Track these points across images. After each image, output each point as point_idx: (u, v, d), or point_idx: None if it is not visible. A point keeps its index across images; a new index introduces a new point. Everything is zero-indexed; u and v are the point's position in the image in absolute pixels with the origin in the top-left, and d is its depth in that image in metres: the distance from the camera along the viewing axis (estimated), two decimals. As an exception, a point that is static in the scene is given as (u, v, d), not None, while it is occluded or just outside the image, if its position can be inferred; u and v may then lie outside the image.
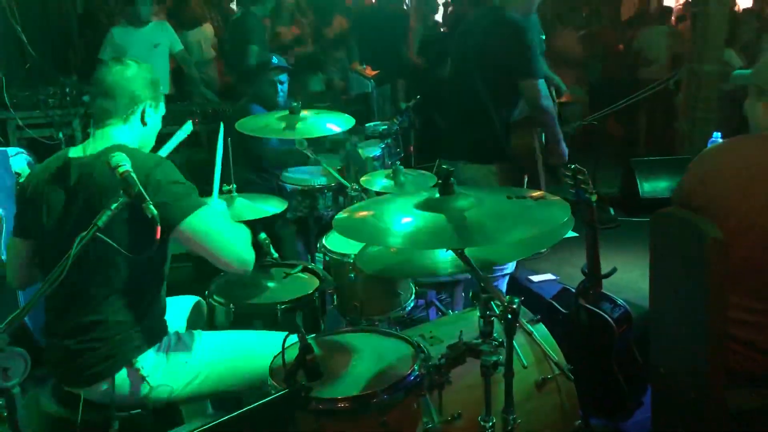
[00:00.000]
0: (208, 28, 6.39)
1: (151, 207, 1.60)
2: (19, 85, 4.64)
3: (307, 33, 6.82)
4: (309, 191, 3.65)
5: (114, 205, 1.58)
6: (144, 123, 2.09)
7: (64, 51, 6.54)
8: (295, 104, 2.99)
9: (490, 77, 3.21)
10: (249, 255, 2.03)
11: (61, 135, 4.44)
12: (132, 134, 2.07)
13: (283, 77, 4.03)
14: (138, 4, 5.17)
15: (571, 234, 3.18)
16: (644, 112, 7.03)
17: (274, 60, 4.08)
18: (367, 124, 4.61)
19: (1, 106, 4.42)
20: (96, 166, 1.90)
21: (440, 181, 1.75)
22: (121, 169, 1.63)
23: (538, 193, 1.85)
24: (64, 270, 1.47)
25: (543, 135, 3.42)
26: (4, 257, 3.19)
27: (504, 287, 3.38)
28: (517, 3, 3.26)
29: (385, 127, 4.44)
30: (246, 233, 2.10)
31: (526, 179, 3.36)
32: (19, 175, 3.67)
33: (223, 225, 2.02)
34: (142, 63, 2.11)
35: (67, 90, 4.79)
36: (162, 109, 2.16)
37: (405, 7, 6.99)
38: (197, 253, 1.99)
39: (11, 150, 3.89)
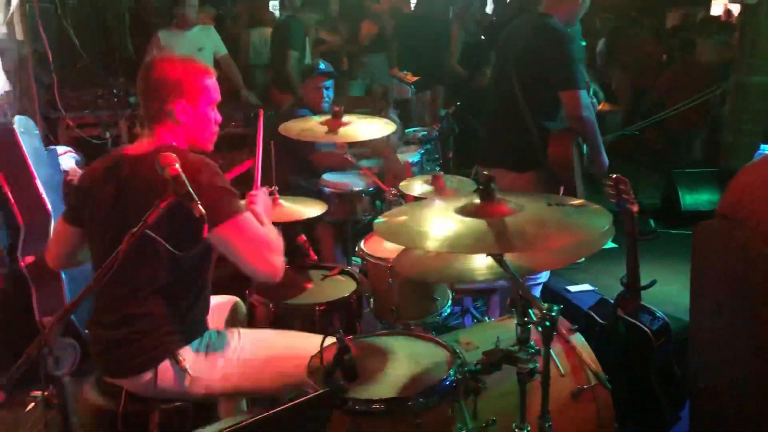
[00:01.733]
0: (267, 31, 6.48)
1: (200, 206, 1.64)
2: (69, 85, 4.77)
3: (344, 40, 6.89)
4: (347, 195, 3.68)
5: (164, 204, 1.62)
6: (179, 122, 2.08)
7: (113, 53, 6.71)
8: (338, 109, 3.03)
9: (529, 86, 3.17)
10: (275, 265, 2.01)
11: (108, 135, 4.56)
12: (174, 133, 2.09)
13: (329, 83, 4.06)
14: (184, 7, 5.27)
15: (610, 245, 3.16)
16: (687, 123, 6.91)
17: (322, 65, 4.12)
18: (406, 130, 4.63)
19: (52, 107, 4.55)
20: (145, 164, 1.95)
21: (481, 187, 1.75)
22: (170, 169, 1.68)
23: (579, 201, 1.84)
24: (113, 266, 1.51)
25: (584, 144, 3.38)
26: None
27: (537, 296, 3.35)
28: (562, 11, 3.21)
29: (425, 132, 4.45)
30: (277, 242, 2.08)
31: (561, 190, 3.31)
32: (67, 173, 3.79)
33: (255, 234, 2.01)
34: (170, 62, 2.11)
35: (115, 91, 4.92)
36: (205, 102, 2.12)
37: (450, 15, 6.99)
38: (227, 256, 2.01)
39: (60, 148, 4.01)
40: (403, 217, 1.94)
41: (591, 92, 3.79)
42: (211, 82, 2.15)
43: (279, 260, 2.03)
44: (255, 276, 2.05)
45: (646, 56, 7.39)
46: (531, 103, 3.18)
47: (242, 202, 2.14)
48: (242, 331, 2.24)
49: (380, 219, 1.96)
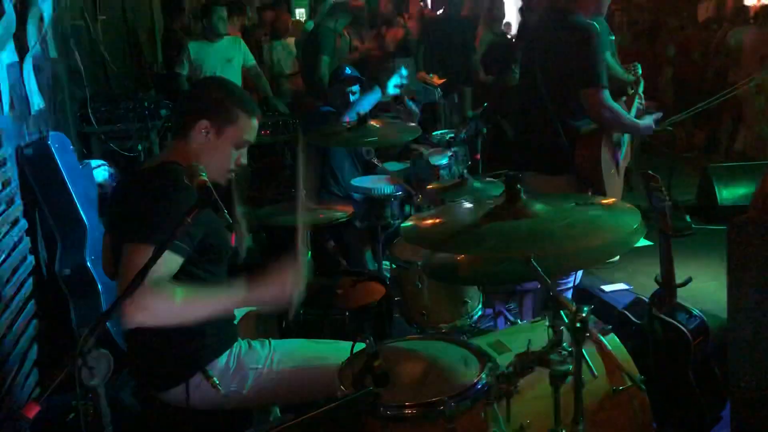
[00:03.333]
0: (291, 41, 6.55)
1: (227, 216, 1.65)
2: (101, 100, 4.87)
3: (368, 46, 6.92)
4: (376, 199, 3.68)
5: (191, 216, 1.64)
6: (197, 142, 2.04)
7: (143, 67, 6.84)
8: (364, 114, 3.03)
9: (555, 85, 3.10)
10: (124, 309, 1.69)
11: (140, 147, 4.64)
12: (186, 153, 2.04)
13: (356, 88, 4.06)
14: (214, 19, 5.35)
15: (645, 242, 3.10)
16: (724, 116, 6.78)
17: (347, 71, 4.13)
18: (434, 133, 4.62)
19: (85, 121, 4.65)
20: (144, 179, 1.98)
21: (507, 189, 1.73)
22: (198, 180, 1.69)
23: (608, 200, 1.82)
24: (144, 275, 1.53)
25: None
26: (88, 263, 3.36)
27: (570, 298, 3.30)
28: (586, 5, 3.13)
29: (452, 135, 4.43)
30: (156, 299, 1.75)
31: (589, 193, 3.23)
32: (101, 186, 3.86)
33: (131, 268, 1.71)
34: (215, 81, 2.16)
35: (146, 104, 5.00)
36: (231, 137, 2.05)
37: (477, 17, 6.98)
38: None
39: (94, 162, 4.09)
40: (431, 221, 1.94)
41: (641, 90, 3.72)
42: (247, 120, 2.06)
43: (132, 309, 1.71)
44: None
45: (686, 50, 7.27)
46: (557, 103, 3.12)
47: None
48: (273, 341, 2.25)
49: (407, 224, 1.95)
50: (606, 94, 3.06)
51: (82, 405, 1.48)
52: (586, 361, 1.99)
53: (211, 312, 1.86)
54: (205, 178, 1.70)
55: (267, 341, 2.23)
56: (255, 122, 2.09)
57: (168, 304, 1.77)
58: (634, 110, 3.52)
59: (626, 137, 3.53)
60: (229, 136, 2.05)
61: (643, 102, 3.66)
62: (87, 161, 4.06)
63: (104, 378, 1.46)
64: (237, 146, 2.08)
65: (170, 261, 1.79)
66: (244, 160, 2.11)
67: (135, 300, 1.65)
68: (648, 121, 3.34)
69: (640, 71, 3.75)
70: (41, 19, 3.63)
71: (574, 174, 3.14)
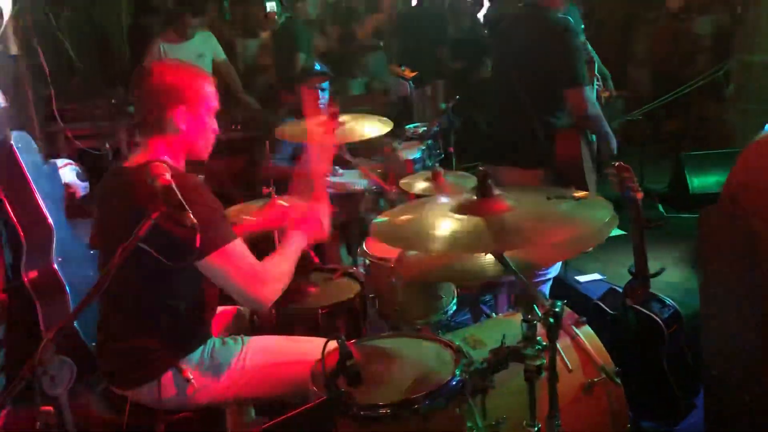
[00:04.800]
0: (265, 35, 6.47)
1: (192, 216, 1.61)
2: (67, 98, 4.77)
3: (334, 40, 6.86)
4: (349, 195, 3.65)
5: (155, 215, 1.59)
6: (178, 130, 2.03)
7: (111, 63, 6.71)
8: (334, 110, 2.99)
9: (532, 82, 3.09)
10: (260, 297, 1.99)
11: (107, 145, 4.55)
12: (172, 143, 2.05)
13: (325, 84, 4.03)
14: (180, 26, 5.29)
15: (618, 232, 3.11)
16: (693, 105, 6.84)
17: (317, 67, 4.09)
18: (406, 126, 4.59)
19: (50, 119, 4.55)
20: (137, 176, 1.92)
21: (478, 184, 1.71)
22: (161, 180, 1.65)
23: (581, 193, 1.80)
24: (108, 277, 1.49)
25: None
26: (55, 265, 3.28)
27: (547, 292, 3.31)
28: (557, 1, 3.13)
29: (425, 128, 4.41)
30: (272, 272, 2.03)
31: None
32: (68, 185, 3.78)
33: (241, 265, 1.96)
34: (168, 68, 2.08)
35: (113, 101, 4.91)
36: (204, 109, 2.08)
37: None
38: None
39: (60, 161, 4.00)
40: (401, 218, 1.91)
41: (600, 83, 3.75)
42: (211, 89, 2.10)
43: (267, 291, 2.00)
44: (241, 304, 2.05)
45: (658, 41, 7.31)
46: (534, 99, 3.11)
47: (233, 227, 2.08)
48: (246, 338, 2.23)
49: (378, 220, 1.93)
50: (589, 91, 3.07)
51: (44, 414, 1.44)
52: (561, 355, 1.99)
53: (293, 264, 2.11)
54: (170, 179, 1.66)
55: (240, 338, 2.21)
56: (213, 85, 2.13)
57: (279, 274, 2.04)
58: (594, 91, 3.54)
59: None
60: (203, 110, 2.08)
61: (601, 83, 3.68)
62: (53, 161, 3.97)
63: (67, 386, 1.41)
64: (210, 115, 2.12)
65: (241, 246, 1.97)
66: (216, 126, 2.14)
67: (265, 284, 1.97)
68: (613, 138, 3.34)
69: (594, 54, 3.80)
70: (0, 15, 3.53)
71: (549, 168, 3.14)
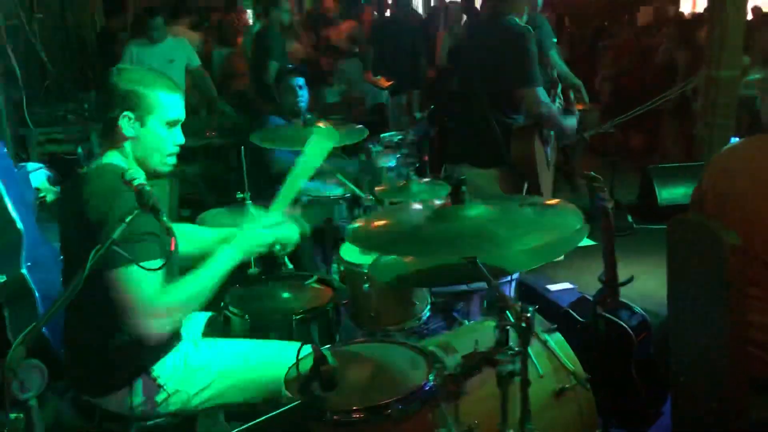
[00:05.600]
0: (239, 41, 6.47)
1: (165, 219, 1.61)
2: (39, 102, 4.71)
3: (309, 47, 6.88)
4: (324, 202, 3.66)
5: (128, 218, 1.59)
6: (125, 137, 1.96)
7: (83, 67, 6.64)
8: (310, 116, 3.01)
9: (490, 83, 3.23)
10: (143, 329, 1.83)
11: (80, 150, 4.50)
12: (123, 149, 1.99)
13: (301, 81, 4.03)
14: (150, 31, 5.28)
15: (588, 242, 3.16)
16: (662, 119, 6.98)
17: (289, 66, 4.11)
18: (382, 135, 4.62)
19: (21, 123, 4.49)
20: (100, 179, 1.90)
21: (452, 190, 1.74)
22: (135, 182, 1.65)
23: (552, 201, 1.84)
24: (79, 283, 1.48)
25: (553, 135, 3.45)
26: (24, 270, 3.23)
27: (512, 293, 3.35)
28: (518, 7, 3.27)
29: (401, 137, 4.44)
30: (170, 302, 1.85)
31: (526, 186, 3.36)
32: (39, 190, 3.72)
33: (131, 292, 1.81)
34: (125, 72, 2.01)
35: (86, 106, 4.87)
36: (157, 119, 1.99)
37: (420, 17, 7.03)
38: None
39: (31, 165, 3.95)
40: (376, 223, 1.93)
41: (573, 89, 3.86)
42: (168, 97, 1.99)
43: (152, 324, 1.83)
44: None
45: (625, 54, 7.46)
46: (492, 100, 3.24)
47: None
48: (219, 340, 2.21)
49: (352, 226, 1.94)
50: (541, 91, 3.21)
51: (12, 420, 1.42)
52: (532, 361, 2.01)
53: (210, 282, 1.93)
54: (144, 182, 1.65)
55: (213, 341, 2.19)
56: (179, 96, 2.04)
57: (179, 304, 1.86)
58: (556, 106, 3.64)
59: (553, 133, 3.64)
60: (155, 119, 1.98)
61: (563, 102, 3.78)
62: (23, 164, 3.92)
63: (38, 391, 1.39)
64: (170, 125, 2.02)
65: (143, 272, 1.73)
66: (181, 139, 2.06)
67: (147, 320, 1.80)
68: (572, 121, 3.46)
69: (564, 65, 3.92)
70: (-27, 18, 3.49)
71: (506, 167, 3.27)
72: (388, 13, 8.27)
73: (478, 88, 3.24)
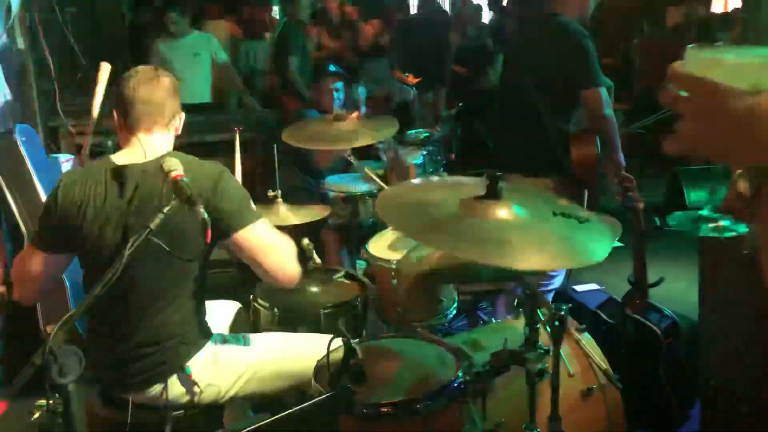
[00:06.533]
0: (266, 39, 6.51)
1: (203, 210, 1.63)
2: (70, 93, 4.77)
3: (348, 44, 6.88)
4: (350, 198, 3.67)
5: (167, 209, 1.61)
6: (177, 131, 2.14)
7: (113, 60, 6.70)
8: (340, 112, 3.02)
9: (548, 87, 3.10)
10: (295, 270, 2.08)
11: (110, 143, 4.54)
12: (169, 140, 2.11)
13: (339, 84, 4.06)
14: (168, 25, 5.32)
15: (616, 244, 3.12)
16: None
17: (331, 67, 4.13)
18: (408, 132, 4.62)
19: (54, 114, 4.55)
20: (151, 173, 1.92)
21: (488, 185, 1.69)
22: (173, 173, 1.67)
23: (586, 214, 1.76)
24: (117, 271, 1.50)
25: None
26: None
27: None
28: (570, 7, 3.16)
29: (427, 134, 4.43)
30: (292, 249, 2.12)
31: (586, 194, 3.22)
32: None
33: (275, 239, 2.05)
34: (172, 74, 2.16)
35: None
36: None
37: (446, 15, 7.01)
38: (246, 262, 2.03)
39: (62, 156, 4.01)
40: (407, 197, 1.88)
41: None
42: None
43: (295, 266, 2.08)
44: (273, 281, 2.08)
45: (653, 53, 7.37)
46: (549, 106, 3.11)
47: None
48: (248, 335, 2.23)
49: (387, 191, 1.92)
50: (605, 92, 3.07)
51: (51, 404, 1.44)
52: (562, 360, 2.00)
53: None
54: (182, 173, 1.67)
55: (241, 335, 2.21)
56: None
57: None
58: None
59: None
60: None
61: None
62: (55, 156, 3.98)
63: (75, 376, 1.42)
64: None
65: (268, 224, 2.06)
66: None
67: (293, 261, 2.05)
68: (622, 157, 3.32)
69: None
70: (8, 9, 3.54)
71: (561, 175, 3.12)
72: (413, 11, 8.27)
73: (532, 93, 3.10)
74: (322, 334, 2.18)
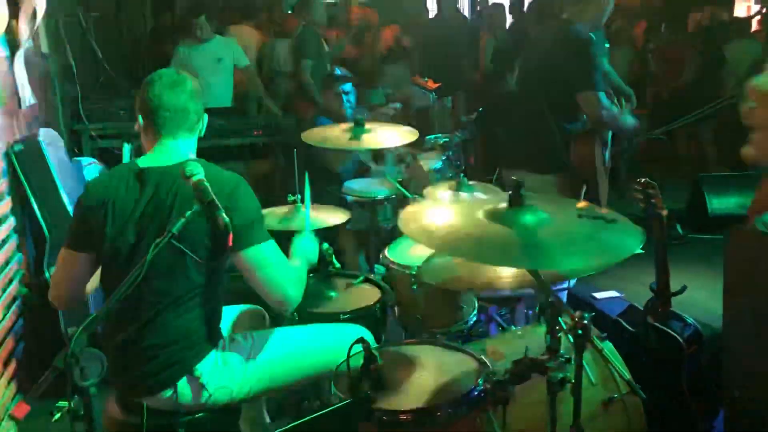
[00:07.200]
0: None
1: (224, 215, 1.63)
2: (93, 97, 4.82)
3: (368, 49, 6.87)
4: (369, 203, 3.67)
5: (188, 213, 1.62)
6: (201, 134, 2.15)
7: (135, 64, 6.78)
8: (361, 117, 3.02)
9: (552, 89, 3.22)
10: (289, 296, 2.01)
11: (126, 146, 4.58)
12: (192, 144, 2.12)
13: (348, 87, 4.06)
14: (195, 29, 5.36)
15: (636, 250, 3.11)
16: (714, 126, 6.80)
17: (338, 71, 4.13)
18: (427, 137, 4.61)
19: (76, 118, 4.60)
20: (172, 175, 1.93)
21: (511, 192, 1.69)
22: (195, 178, 1.67)
23: (612, 214, 1.78)
24: (140, 275, 1.51)
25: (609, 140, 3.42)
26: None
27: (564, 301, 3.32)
28: (586, 16, 3.26)
29: (446, 139, 4.42)
30: (300, 275, 2.10)
31: (584, 189, 3.34)
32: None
33: (277, 262, 2.01)
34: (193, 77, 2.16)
35: (137, 103, 4.95)
36: None
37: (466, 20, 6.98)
38: (243, 276, 2.00)
39: (85, 160, 4.05)
40: (431, 218, 1.89)
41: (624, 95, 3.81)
42: None
43: (293, 292, 2.02)
44: (267, 302, 2.04)
45: (675, 59, 7.30)
46: (554, 107, 3.23)
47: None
48: (254, 333, 2.22)
49: (408, 210, 1.92)
50: (602, 96, 3.18)
51: (72, 406, 1.45)
52: (584, 369, 1.98)
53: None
54: (203, 178, 1.68)
55: (249, 334, 2.20)
56: None
57: (303, 277, 2.12)
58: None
59: (610, 138, 3.60)
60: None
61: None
62: (78, 159, 4.02)
63: (97, 379, 1.43)
64: None
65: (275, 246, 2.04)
66: None
67: (294, 285, 2.02)
68: (631, 120, 3.44)
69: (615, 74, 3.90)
70: (34, 14, 3.59)
71: (565, 173, 3.26)
72: (432, 16, 8.25)
73: (539, 93, 3.24)
74: (328, 324, 2.18)
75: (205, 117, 2.14)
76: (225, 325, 2.28)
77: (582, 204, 1.82)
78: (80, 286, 2.12)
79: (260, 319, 2.55)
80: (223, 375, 2.05)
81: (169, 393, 1.99)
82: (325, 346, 2.14)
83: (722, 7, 8.56)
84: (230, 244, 1.65)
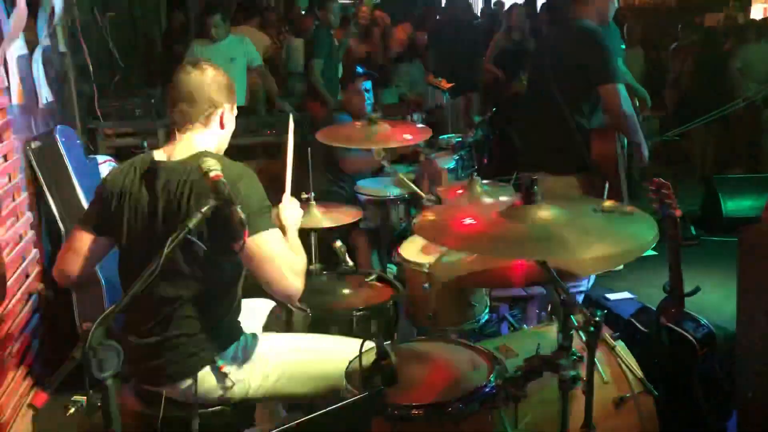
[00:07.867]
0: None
1: (239, 210, 1.65)
2: (108, 96, 4.86)
3: (379, 47, 6.89)
4: (382, 202, 3.68)
5: (205, 208, 1.63)
6: (222, 126, 2.10)
7: (150, 63, 6.83)
8: (374, 115, 3.03)
9: (567, 86, 3.18)
10: (293, 287, 1.98)
11: (146, 143, 4.62)
12: (212, 138, 2.09)
13: (368, 84, 4.07)
14: (211, 27, 5.39)
15: (649, 252, 3.10)
16: (729, 128, 6.77)
17: (359, 69, 4.15)
18: (440, 136, 4.62)
19: (92, 116, 4.64)
20: (184, 169, 1.95)
21: (524, 190, 1.71)
22: (212, 173, 1.69)
23: (626, 208, 1.79)
24: (157, 267, 1.52)
25: (624, 140, 3.37)
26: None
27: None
28: (591, 11, 3.23)
29: (459, 139, 4.43)
30: (301, 264, 2.05)
31: (606, 187, 3.28)
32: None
33: (281, 252, 1.97)
34: (218, 67, 2.13)
35: (153, 101, 5.00)
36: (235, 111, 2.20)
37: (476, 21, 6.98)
38: (246, 267, 2.00)
39: (101, 157, 4.09)
40: (443, 217, 1.91)
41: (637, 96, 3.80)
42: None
43: (297, 282, 1.98)
44: (271, 293, 2.02)
45: (688, 60, 7.26)
46: (570, 104, 3.18)
47: (274, 213, 2.13)
48: (279, 335, 2.24)
49: (422, 216, 1.94)
50: (623, 89, 3.12)
51: (89, 398, 1.46)
52: (596, 367, 1.98)
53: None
54: (220, 173, 1.70)
55: (273, 335, 2.23)
56: None
57: (305, 268, 2.05)
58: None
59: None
60: (235, 114, 2.18)
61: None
62: (93, 156, 4.06)
63: (114, 371, 1.44)
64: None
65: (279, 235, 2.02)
66: None
67: (298, 276, 1.97)
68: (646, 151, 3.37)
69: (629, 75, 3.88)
70: (52, 12, 3.63)
71: (585, 173, 3.20)
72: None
73: (555, 92, 3.18)
74: (353, 338, 2.17)
75: (226, 110, 2.11)
76: (250, 321, 2.30)
77: (609, 203, 1.81)
78: (93, 266, 2.18)
79: (274, 315, 2.56)
80: (243, 369, 2.07)
81: (188, 383, 2.00)
82: (349, 357, 2.04)
83: (739, 9, 8.52)
84: (245, 239, 1.66)
